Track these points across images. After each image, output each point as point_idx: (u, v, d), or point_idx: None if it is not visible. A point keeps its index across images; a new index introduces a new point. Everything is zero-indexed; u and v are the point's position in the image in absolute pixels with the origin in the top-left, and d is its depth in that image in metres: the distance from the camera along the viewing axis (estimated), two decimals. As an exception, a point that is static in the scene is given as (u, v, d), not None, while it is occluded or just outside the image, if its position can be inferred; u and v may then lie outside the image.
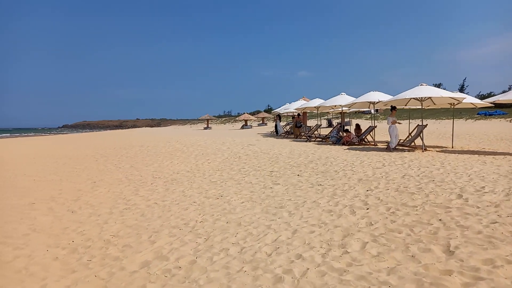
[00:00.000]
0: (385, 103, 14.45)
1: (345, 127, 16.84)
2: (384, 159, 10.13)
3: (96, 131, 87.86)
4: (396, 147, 12.91)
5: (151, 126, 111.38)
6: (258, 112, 77.49)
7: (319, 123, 24.32)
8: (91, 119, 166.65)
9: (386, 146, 13.42)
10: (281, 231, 4.71)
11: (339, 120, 47.11)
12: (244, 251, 4.12)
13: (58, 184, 9.37)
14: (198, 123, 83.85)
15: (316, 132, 21.02)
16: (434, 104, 14.50)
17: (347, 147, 14.35)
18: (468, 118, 42.49)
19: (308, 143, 16.66)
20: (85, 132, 76.45)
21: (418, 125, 13.07)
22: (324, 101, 19.36)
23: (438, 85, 67.76)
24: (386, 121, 12.14)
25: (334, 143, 15.93)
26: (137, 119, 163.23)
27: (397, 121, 12.47)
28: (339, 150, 13.02)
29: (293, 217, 5.32)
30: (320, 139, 18.09)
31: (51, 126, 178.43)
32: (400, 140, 12.94)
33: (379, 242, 4.12)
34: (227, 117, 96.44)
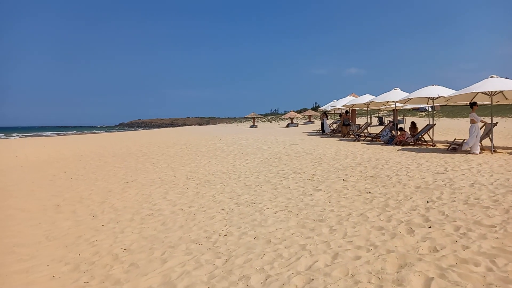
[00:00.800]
0: (447, 99, 12.80)
1: (399, 126, 15.29)
2: (446, 163, 8.72)
3: (149, 129, 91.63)
4: (455, 148, 11.29)
5: (200, 124, 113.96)
6: (305, 110, 75.85)
7: (369, 121, 22.70)
8: (145, 118, 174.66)
9: (447, 147, 11.82)
10: (319, 254, 3.79)
11: (391, 118, 44.43)
12: (268, 281, 3.27)
13: (93, 183, 9.16)
14: (245, 121, 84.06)
15: (365, 131, 19.52)
16: (506, 99, 12.59)
17: (400, 147, 12.91)
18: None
19: (356, 143, 15.36)
20: (139, 130, 79.95)
21: (486, 123, 11.33)
22: (374, 97, 17.84)
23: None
24: (471, 119, 10.46)
25: (386, 143, 14.48)
26: (187, 117, 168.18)
27: (481, 119, 10.73)
28: (392, 151, 11.66)
29: (335, 235, 4.37)
30: (370, 139, 16.65)
31: (109, 124, 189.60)
32: (463, 140, 11.29)
33: (449, 279, 3.07)
34: (274, 115, 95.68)
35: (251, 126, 51.87)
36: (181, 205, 6.43)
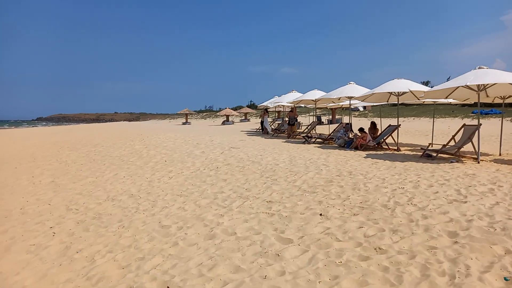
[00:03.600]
0: (421, 97, 10.82)
1: (356, 127, 13.16)
2: (446, 179, 6.41)
3: (70, 124, 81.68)
4: (432, 155, 9.31)
5: (130, 120, 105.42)
6: (240, 107, 73.40)
7: (315, 120, 20.65)
8: (68, 112, 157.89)
9: (422, 153, 9.76)
10: None
11: (329, 117, 43.52)
12: None
13: None
14: (178, 117, 78.98)
15: (312, 132, 17.26)
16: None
17: (363, 153, 10.63)
18: (465, 117, 39.58)
19: (308, 146, 12.87)
20: (55, 125, 70.53)
21: (465, 125, 9.47)
22: (325, 93, 15.58)
23: (426, 83, 65.04)
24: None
25: (342, 146, 12.22)
26: (116, 112, 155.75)
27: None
28: (359, 159, 9.27)
29: None
30: (322, 140, 14.33)
31: (25, 118, 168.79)
32: (445, 146, 9.31)
33: None
34: (208, 112, 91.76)
35: (184, 123, 48.01)
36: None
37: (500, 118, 34.47)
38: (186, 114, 51.33)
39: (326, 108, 40.91)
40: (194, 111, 66.94)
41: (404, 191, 5.58)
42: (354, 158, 9.33)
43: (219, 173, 7.88)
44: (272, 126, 24.21)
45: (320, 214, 4.68)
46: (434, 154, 9.19)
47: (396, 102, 12.20)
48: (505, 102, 10.72)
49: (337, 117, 38.12)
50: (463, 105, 52.79)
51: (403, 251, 3.42)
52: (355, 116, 49.06)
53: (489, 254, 3.23)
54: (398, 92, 11.07)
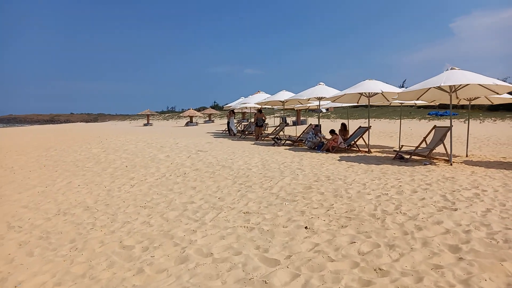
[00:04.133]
0: (394, 98, 10.71)
1: (325, 129, 12.93)
2: (428, 184, 6.19)
3: (21, 126, 75.99)
4: (405, 157, 9.22)
5: (87, 121, 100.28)
6: (204, 108, 72.13)
7: (282, 121, 20.36)
8: (20, 113, 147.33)
9: (395, 155, 9.63)
10: None
11: (293, 119, 43.56)
12: None
13: None
14: (139, 119, 76.15)
15: (281, 133, 16.91)
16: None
17: (336, 155, 10.37)
18: (422, 119, 41.16)
19: (278, 148, 12.46)
20: (5, 127, 65.39)
21: (436, 126, 9.46)
22: (293, 94, 15.27)
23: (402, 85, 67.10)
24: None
25: (313, 149, 11.94)
26: (72, 113, 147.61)
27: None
28: (333, 162, 8.97)
29: None
30: (291, 142, 13.99)
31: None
32: (417, 148, 9.22)
33: None
34: (171, 113, 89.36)
35: (145, 124, 46.28)
36: None
37: (455, 120, 36.20)
38: (148, 115, 49.57)
39: (292, 109, 41.06)
40: (156, 112, 64.82)
41: (389, 197, 5.26)
42: (328, 161, 9.01)
43: (187, 179, 7.22)
44: (239, 128, 23.68)
45: (306, 227, 4.20)
46: (407, 157, 9.08)
47: (365, 104, 12.11)
48: (471, 104, 10.89)
49: (302, 118, 38.30)
50: (419, 106, 55.18)
51: (407, 272, 3.00)
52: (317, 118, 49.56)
53: (502, 273, 2.89)
54: (369, 93, 10.94)
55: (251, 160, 9.16)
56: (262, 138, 16.73)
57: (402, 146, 9.63)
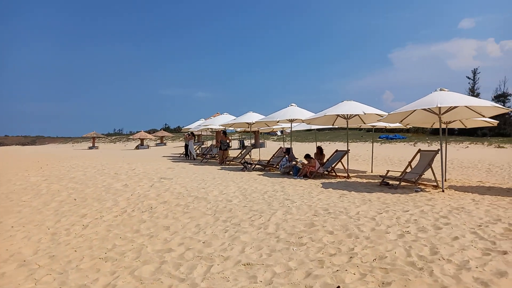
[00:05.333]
0: (388, 121, 10.16)
1: (304, 153, 12.13)
2: (438, 214, 5.45)
3: None
4: (388, 183, 8.63)
5: (24, 144, 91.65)
6: (155, 131, 69.25)
7: (242, 145, 19.37)
8: None
9: (380, 181, 8.97)
10: None
11: (252, 141, 42.66)
12: None
13: None
14: (83, 141, 71.04)
15: (247, 157, 15.86)
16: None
17: (316, 181, 9.52)
18: (374, 142, 42.33)
19: (250, 174, 11.38)
20: None
21: (420, 150, 9.01)
22: (261, 115, 14.42)
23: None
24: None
25: (287, 173, 11.03)
26: (6, 136, 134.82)
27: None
28: (319, 190, 8.07)
29: None
30: (261, 167, 12.98)
31: None
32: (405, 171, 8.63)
33: None
34: (118, 135, 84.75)
35: (90, 147, 42.96)
36: None
37: (405, 143, 37.60)
38: (94, 138, 46.19)
39: (248, 132, 40.23)
40: (102, 134, 60.79)
41: (414, 237, 4.38)
42: (314, 189, 8.10)
43: (156, 216, 5.87)
44: (197, 151, 22.28)
45: (338, 287, 3.14)
46: (396, 183, 8.45)
47: (338, 126, 11.57)
48: (448, 127, 10.72)
49: (260, 141, 37.62)
50: (368, 130, 57.41)
51: None
52: (274, 140, 49.34)
53: None
54: (348, 115, 10.35)
55: (227, 189, 7.98)
56: (227, 162, 15.56)
57: (388, 171, 9.02)
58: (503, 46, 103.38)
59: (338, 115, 10.77)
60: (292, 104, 12.69)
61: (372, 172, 12.52)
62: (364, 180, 9.81)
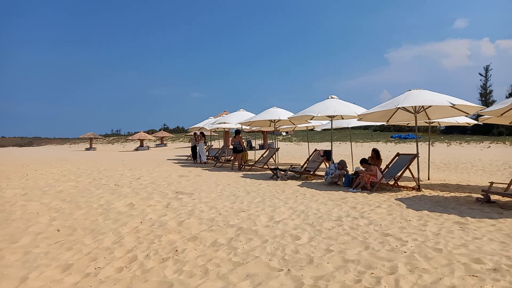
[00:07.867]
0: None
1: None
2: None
3: None
4: (489, 199, 6.27)
5: (20, 146, 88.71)
6: (154, 131, 66.62)
7: (249, 145, 16.97)
8: None
9: (482, 199, 6.60)
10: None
11: (260, 142, 40.08)
12: None
13: None
14: (80, 142, 68.37)
15: (270, 161, 13.43)
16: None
17: (382, 195, 7.15)
18: (387, 142, 40.11)
19: (290, 185, 8.98)
20: None
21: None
22: (292, 113, 12.02)
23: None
24: None
25: (334, 183, 8.66)
26: (3, 137, 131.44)
27: None
28: (416, 214, 5.69)
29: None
30: (294, 174, 10.57)
31: None
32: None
33: None
34: (116, 136, 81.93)
35: (87, 149, 40.64)
36: None
37: (421, 143, 35.47)
38: (91, 139, 43.85)
39: (252, 132, 37.75)
40: (100, 135, 58.14)
41: None
42: (405, 213, 5.70)
43: (188, 270, 3.46)
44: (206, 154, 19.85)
45: None
46: (503, 199, 6.09)
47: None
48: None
49: (269, 141, 35.15)
50: (375, 129, 55.10)
51: None
52: (280, 141, 47.05)
53: None
54: (418, 108, 7.95)
55: (278, 214, 5.57)
56: (243, 167, 13.13)
57: (492, 183, 6.66)
58: (498, 45, 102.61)
59: (403, 108, 8.34)
60: (333, 96, 10.27)
61: (428, 179, 10.16)
62: (444, 194, 7.42)
